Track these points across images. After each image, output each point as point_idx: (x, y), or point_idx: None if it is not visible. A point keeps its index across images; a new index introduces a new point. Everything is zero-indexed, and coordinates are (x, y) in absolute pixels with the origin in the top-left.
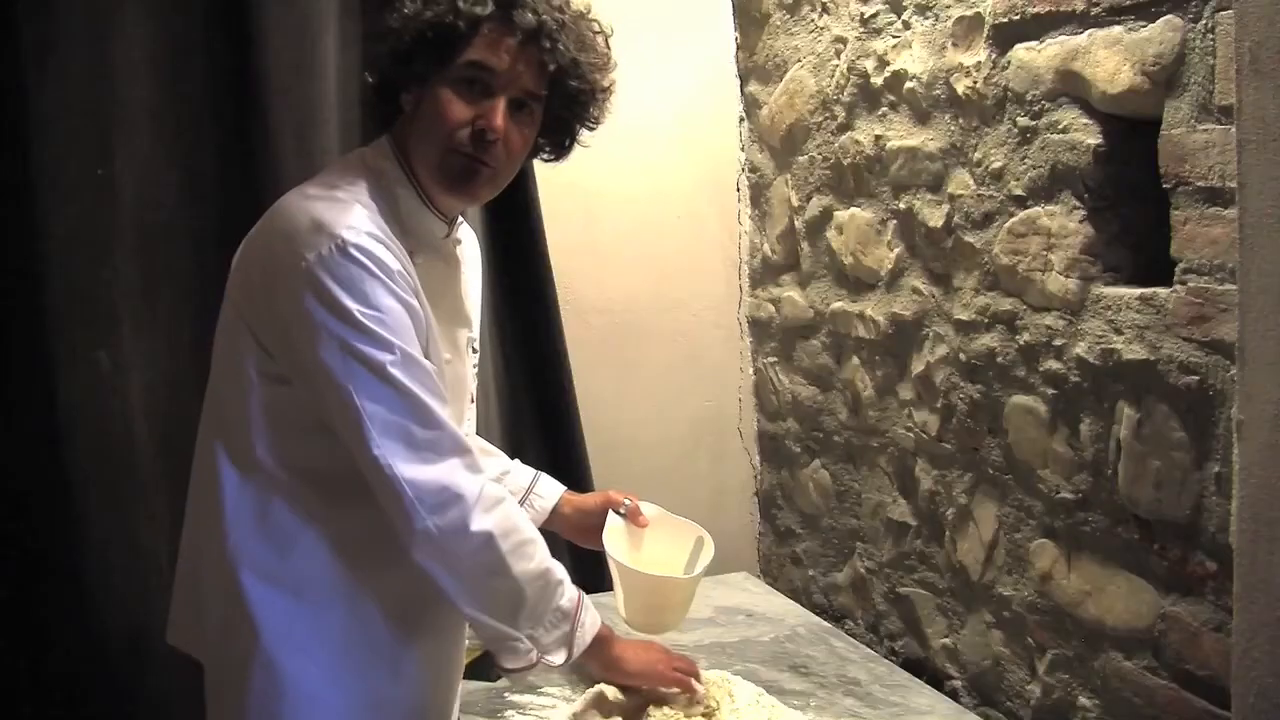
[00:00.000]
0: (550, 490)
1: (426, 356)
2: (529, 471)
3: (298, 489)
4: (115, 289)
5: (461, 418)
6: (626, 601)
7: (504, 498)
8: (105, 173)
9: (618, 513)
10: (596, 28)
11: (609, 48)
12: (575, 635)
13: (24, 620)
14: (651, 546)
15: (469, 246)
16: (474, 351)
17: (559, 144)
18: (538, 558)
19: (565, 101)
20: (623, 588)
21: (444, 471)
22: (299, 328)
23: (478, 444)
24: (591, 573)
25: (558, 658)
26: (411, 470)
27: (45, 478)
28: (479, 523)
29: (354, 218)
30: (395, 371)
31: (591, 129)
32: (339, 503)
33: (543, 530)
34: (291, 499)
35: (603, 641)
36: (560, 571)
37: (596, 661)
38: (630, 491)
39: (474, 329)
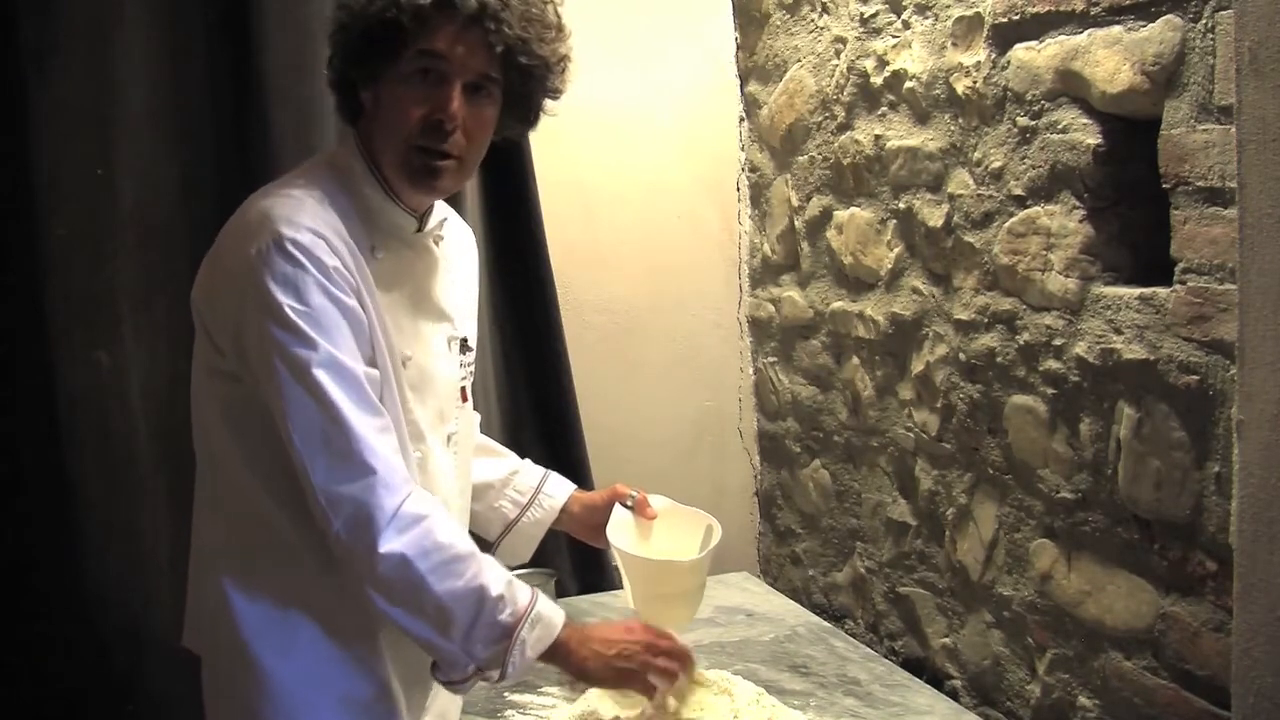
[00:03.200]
0: (559, 490)
1: (372, 358)
2: (538, 471)
3: (263, 491)
4: (115, 289)
5: (447, 416)
6: (634, 592)
7: (425, 515)
8: (105, 173)
9: (625, 505)
10: None
11: (559, 16)
12: (511, 654)
13: (24, 620)
14: (659, 538)
15: (459, 242)
16: (465, 349)
17: (523, 118)
18: (468, 575)
19: (522, 78)
20: (629, 578)
21: (358, 489)
22: (239, 323)
23: (484, 443)
24: (595, 573)
25: (493, 674)
26: (326, 482)
27: (45, 478)
28: (389, 544)
29: (298, 213)
30: (318, 373)
31: (554, 99)
32: (300, 507)
33: (554, 530)
34: (258, 502)
35: (561, 649)
36: (500, 585)
37: (559, 669)
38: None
39: (460, 326)
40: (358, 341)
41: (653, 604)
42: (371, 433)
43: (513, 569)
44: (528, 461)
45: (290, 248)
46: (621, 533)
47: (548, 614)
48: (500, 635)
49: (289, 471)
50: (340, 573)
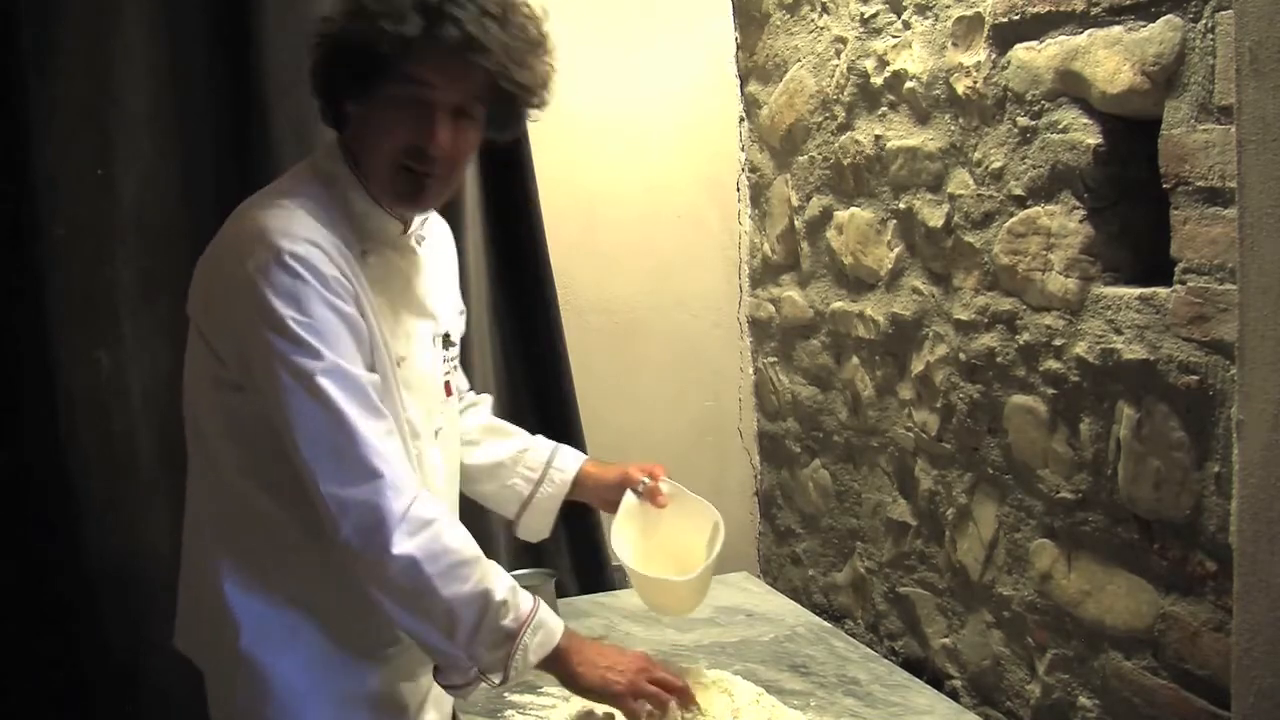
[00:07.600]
0: (569, 463)
1: (371, 364)
2: (548, 446)
3: (264, 497)
4: (115, 289)
5: (434, 412)
6: (638, 589)
7: (433, 519)
8: (105, 173)
9: (635, 491)
10: (526, 12)
11: (542, 33)
12: (513, 658)
13: (25, 619)
14: (667, 527)
15: (438, 238)
16: (448, 344)
17: (506, 129)
18: (474, 579)
19: (505, 99)
20: (632, 579)
21: (367, 492)
22: (241, 335)
23: (494, 424)
24: (595, 573)
25: (495, 678)
26: (334, 487)
27: (46, 477)
28: (400, 546)
29: (293, 225)
30: (323, 381)
31: (538, 110)
32: (303, 511)
33: (570, 501)
34: (259, 508)
35: (559, 655)
36: (504, 590)
37: (554, 675)
38: (655, 464)
39: (443, 322)
40: (359, 348)
41: (656, 598)
42: (377, 437)
43: (513, 569)
44: (538, 438)
45: (289, 260)
46: (625, 529)
47: (549, 621)
48: (503, 640)
49: (292, 477)
50: (341, 575)
